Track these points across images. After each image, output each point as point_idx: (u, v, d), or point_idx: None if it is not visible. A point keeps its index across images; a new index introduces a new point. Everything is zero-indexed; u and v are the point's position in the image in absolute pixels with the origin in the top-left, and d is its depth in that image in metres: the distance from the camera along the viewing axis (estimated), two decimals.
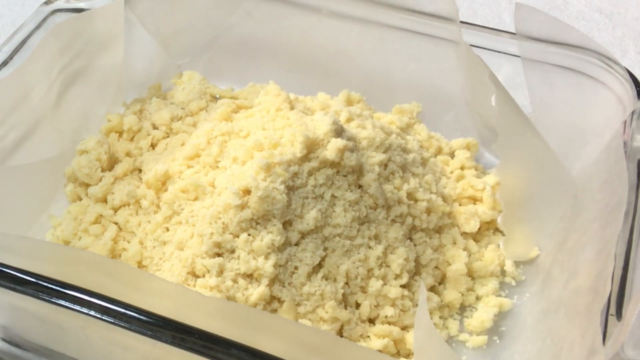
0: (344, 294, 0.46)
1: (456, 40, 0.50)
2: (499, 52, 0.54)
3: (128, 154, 0.53)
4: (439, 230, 0.51)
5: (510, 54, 0.54)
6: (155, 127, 0.55)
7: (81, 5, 0.54)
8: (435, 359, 0.36)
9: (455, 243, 0.51)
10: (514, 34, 0.52)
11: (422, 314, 0.36)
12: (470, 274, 0.50)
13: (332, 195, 0.47)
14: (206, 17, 0.61)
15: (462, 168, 0.56)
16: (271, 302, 0.45)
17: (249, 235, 0.45)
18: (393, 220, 0.48)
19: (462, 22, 0.52)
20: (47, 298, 0.35)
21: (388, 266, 0.47)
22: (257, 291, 0.44)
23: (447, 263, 0.50)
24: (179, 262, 0.45)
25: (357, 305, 0.47)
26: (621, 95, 0.50)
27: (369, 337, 0.46)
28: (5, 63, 0.50)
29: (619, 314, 0.38)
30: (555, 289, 0.47)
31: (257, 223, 0.45)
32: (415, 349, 0.40)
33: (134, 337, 0.34)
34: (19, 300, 0.37)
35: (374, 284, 0.46)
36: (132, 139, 0.55)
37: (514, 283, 0.51)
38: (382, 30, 0.57)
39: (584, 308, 0.40)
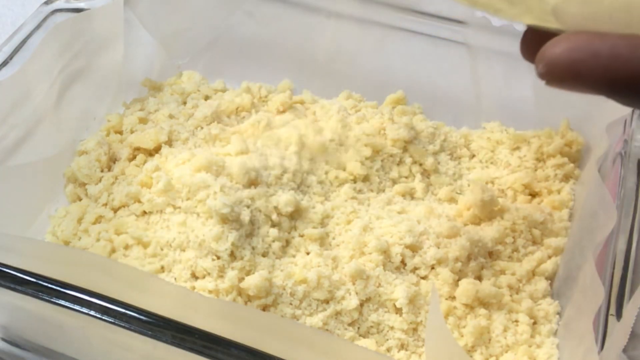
0: None
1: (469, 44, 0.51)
2: (497, 51, 0.54)
3: None
4: None
5: (509, 53, 0.54)
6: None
7: (81, 5, 0.54)
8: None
9: None
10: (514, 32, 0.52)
11: (434, 315, 0.36)
12: None
13: None
14: (206, 18, 0.61)
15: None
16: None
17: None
18: None
19: (459, 21, 0.53)
20: (47, 298, 0.35)
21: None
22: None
23: None
24: (179, 264, 0.45)
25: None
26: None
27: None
28: (5, 63, 0.50)
29: (618, 314, 0.38)
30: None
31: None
32: (426, 350, 0.40)
33: (134, 337, 0.34)
34: (19, 300, 0.37)
35: None
36: None
37: None
38: (382, 30, 0.57)
39: (584, 308, 0.40)
